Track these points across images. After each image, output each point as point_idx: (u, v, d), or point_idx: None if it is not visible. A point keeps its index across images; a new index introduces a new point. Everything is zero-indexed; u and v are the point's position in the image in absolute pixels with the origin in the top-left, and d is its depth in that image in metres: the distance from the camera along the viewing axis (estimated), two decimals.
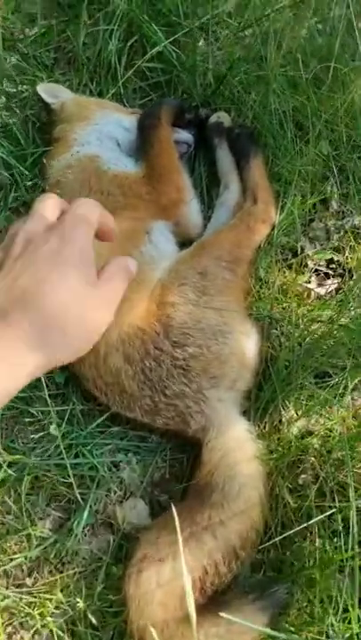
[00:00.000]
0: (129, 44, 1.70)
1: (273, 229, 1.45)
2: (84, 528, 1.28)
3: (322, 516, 1.04)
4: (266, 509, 1.18)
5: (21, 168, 1.55)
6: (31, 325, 0.77)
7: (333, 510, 1.08)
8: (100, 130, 1.54)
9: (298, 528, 1.04)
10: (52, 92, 1.59)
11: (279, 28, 1.68)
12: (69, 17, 1.81)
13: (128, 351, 1.25)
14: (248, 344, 1.30)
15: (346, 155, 1.55)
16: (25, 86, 1.72)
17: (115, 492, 1.32)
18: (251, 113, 1.61)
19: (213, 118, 1.62)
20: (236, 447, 1.23)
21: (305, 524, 1.06)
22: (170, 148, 1.48)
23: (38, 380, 1.30)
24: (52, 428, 1.29)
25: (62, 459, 1.27)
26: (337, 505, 1.10)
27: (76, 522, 1.27)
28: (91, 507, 1.29)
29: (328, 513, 1.05)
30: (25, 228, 0.84)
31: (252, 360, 1.30)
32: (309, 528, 1.15)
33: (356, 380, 1.26)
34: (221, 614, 0.80)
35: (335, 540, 1.09)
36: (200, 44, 1.71)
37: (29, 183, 1.55)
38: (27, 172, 1.55)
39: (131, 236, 1.36)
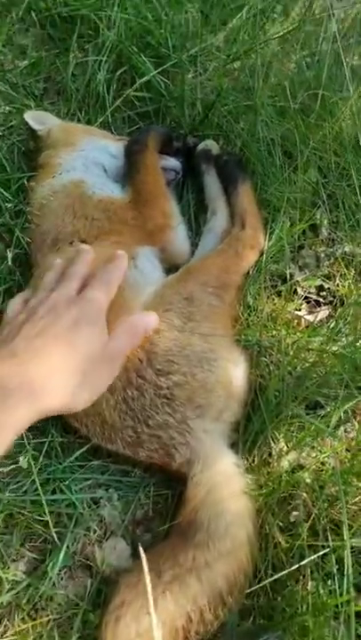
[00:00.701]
0: (117, 74, 1.70)
1: (262, 255, 1.41)
2: (60, 570, 1.19)
3: (314, 557, 0.96)
4: (255, 549, 1.10)
5: (5, 194, 1.52)
6: (42, 377, 0.94)
7: (327, 550, 1.00)
8: (86, 156, 1.52)
9: (289, 570, 0.96)
10: (40, 120, 1.59)
11: (267, 61, 1.70)
12: (60, 49, 1.83)
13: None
14: (235, 372, 1.24)
15: (335, 182, 1.53)
16: (13, 115, 1.71)
17: (94, 532, 1.23)
18: (239, 141, 1.60)
19: (201, 146, 1.61)
20: (223, 482, 1.15)
21: (297, 566, 0.98)
22: (156, 174, 1.46)
23: None
24: (23, 461, 1.21)
25: (38, 494, 1.18)
26: (331, 544, 1.02)
27: (51, 564, 1.17)
28: (68, 547, 1.20)
29: (321, 553, 0.97)
30: (52, 297, 1.08)
31: (240, 389, 1.24)
32: (302, 570, 1.07)
33: (347, 407, 1.19)
34: None
35: (329, 582, 1.01)
36: (189, 75, 1.72)
37: (13, 208, 1.52)
38: (11, 198, 1.52)
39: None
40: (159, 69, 1.64)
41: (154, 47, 1.74)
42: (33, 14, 1.85)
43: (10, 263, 1.43)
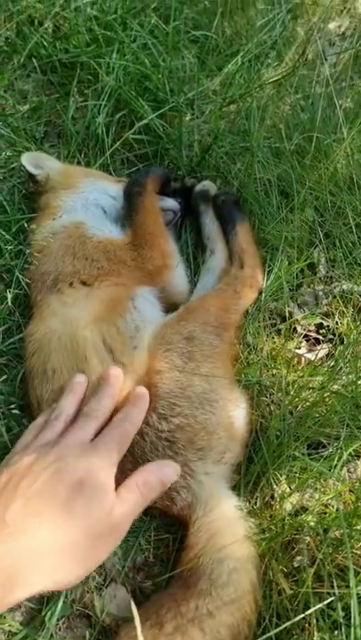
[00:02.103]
0: (117, 117, 1.74)
1: (261, 294, 1.42)
2: (58, 620, 1.15)
3: (320, 605, 0.93)
4: (259, 597, 1.07)
5: (6, 235, 1.54)
6: (29, 556, 0.88)
7: (333, 598, 0.97)
8: (87, 197, 1.54)
9: (294, 620, 0.93)
10: (37, 163, 1.61)
11: (262, 104, 1.74)
12: (60, 94, 1.88)
13: None
14: (236, 413, 1.23)
15: (331, 221, 1.55)
16: (14, 158, 1.74)
17: (93, 579, 1.19)
18: (236, 182, 1.63)
19: (199, 187, 1.63)
20: (225, 527, 1.13)
21: (302, 615, 0.95)
22: (155, 215, 1.48)
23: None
24: None
25: None
26: (336, 592, 0.99)
27: (49, 613, 1.14)
28: (66, 595, 1.16)
29: (327, 601, 0.94)
30: (64, 442, 1.02)
31: (242, 430, 1.23)
32: (307, 619, 1.04)
33: (350, 449, 1.18)
34: None
35: (336, 632, 0.97)
36: (186, 117, 1.76)
37: (14, 249, 1.53)
38: (11, 239, 1.54)
39: (115, 303, 1.32)
40: (157, 113, 1.68)
41: (152, 91, 1.78)
42: (34, 61, 1.91)
43: (10, 304, 1.43)
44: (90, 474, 0.96)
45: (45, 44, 1.90)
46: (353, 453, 1.23)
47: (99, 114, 1.74)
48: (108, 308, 1.29)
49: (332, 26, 2.20)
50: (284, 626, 0.94)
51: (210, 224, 1.58)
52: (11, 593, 0.87)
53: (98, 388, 1.16)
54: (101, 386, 1.16)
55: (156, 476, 1.07)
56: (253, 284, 1.41)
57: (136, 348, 1.25)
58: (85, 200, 1.53)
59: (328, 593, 1.03)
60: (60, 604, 1.15)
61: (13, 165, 1.73)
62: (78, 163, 1.75)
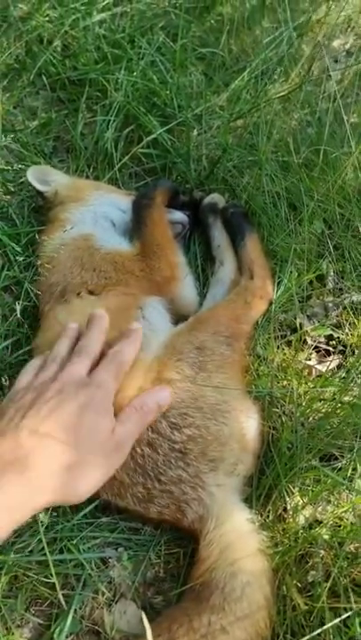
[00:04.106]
0: (125, 132, 1.76)
1: (271, 305, 1.42)
2: (67, 637, 1.12)
3: (336, 621, 0.91)
4: (273, 612, 1.05)
5: (15, 247, 1.55)
6: (41, 470, 0.95)
7: (349, 614, 0.94)
8: (95, 210, 1.54)
9: (310, 635, 0.90)
10: (44, 178, 1.61)
11: (269, 119, 1.75)
12: (69, 110, 1.90)
13: None
14: (248, 424, 1.22)
15: (340, 233, 1.55)
16: (24, 172, 1.76)
17: (103, 594, 1.17)
18: (245, 194, 1.63)
19: (208, 200, 1.64)
20: (237, 540, 1.10)
21: (317, 632, 0.92)
22: (164, 227, 1.48)
23: None
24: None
25: (44, 554, 1.13)
26: (353, 606, 0.96)
27: (57, 630, 1.12)
28: (75, 611, 1.14)
29: (343, 617, 0.92)
30: (62, 377, 1.08)
31: (253, 442, 1.22)
32: (323, 635, 1.01)
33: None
34: None
35: None
36: (194, 132, 1.78)
37: (23, 262, 1.54)
38: (20, 251, 1.54)
39: (124, 312, 1.32)
40: (165, 128, 1.69)
41: (160, 107, 1.80)
42: (44, 78, 1.94)
43: (19, 315, 1.43)
44: (91, 399, 1.03)
45: (54, 61, 1.93)
46: None
47: (107, 129, 1.76)
48: (115, 316, 1.29)
49: (336, 43, 2.23)
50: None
51: (219, 236, 1.58)
52: (27, 481, 0.93)
53: (86, 327, 1.21)
54: (89, 324, 1.21)
55: (153, 398, 1.14)
56: (264, 295, 1.41)
57: (144, 355, 1.24)
58: (94, 213, 1.54)
59: (344, 608, 1.00)
60: (70, 619, 1.12)
61: (22, 179, 1.74)
62: (87, 177, 1.76)
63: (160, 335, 1.31)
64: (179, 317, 1.43)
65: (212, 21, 2.10)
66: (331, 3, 2.23)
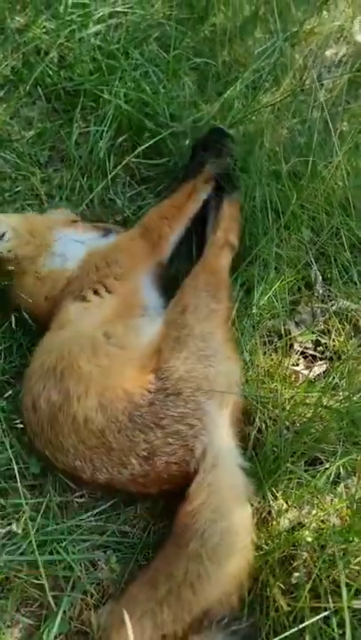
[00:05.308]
0: (118, 142, 1.79)
1: (235, 253, 1.53)
2: (56, 638, 1.15)
3: (314, 619, 0.93)
4: (252, 561, 1.11)
5: None
6: None
7: (327, 612, 0.97)
8: (60, 243, 1.55)
9: (290, 632, 0.93)
10: None
11: (260, 128, 1.78)
12: (64, 120, 1.94)
13: (111, 411, 1.22)
14: (232, 364, 1.32)
15: (327, 240, 1.58)
16: (19, 181, 1.80)
17: (92, 595, 1.20)
18: None
19: None
20: (226, 487, 1.17)
21: (297, 628, 0.95)
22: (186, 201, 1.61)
23: (13, 469, 1.24)
24: (16, 525, 1.20)
25: (35, 556, 1.16)
26: (331, 606, 0.99)
27: (47, 630, 1.14)
28: (65, 612, 1.17)
29: (321, 615, 0.95)
30: None
31: (238, 377, 1.32)
32: (304, 635, 1.04)
33: (345, 462, 1.18)
34: None
35: None
36: (186, 142, 1.81)
37: None
38: None
39: (127, 308, 1.42)
40: (157, 138, 1.73)
41: (152, 117, 1.83)
42: (39, 89, 1.97)
43: (13, 325, 1.47)
44: None
45: (50, 72, 1.97)
46: (349, 469, 1.24)
47: (101, 139, 1.79)
48: (122, 312, 1.41)
49: (329, 53, 2.26)
50: (281, 636, 0.94)
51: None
52: None
53: None
54: None
55: None
56: (225, 244, 1.53)
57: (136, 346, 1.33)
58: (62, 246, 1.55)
59: (325, 608, 1.03)
60: (58, 620, 1.15)
61: (19, 188, 1.78)
62: (81, 186, 1.79)
63: (156, 322, 1.39)
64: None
65: (206, 32, 2.13)
66: (323, 12, 2.27)
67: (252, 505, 1.19)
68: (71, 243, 1.55)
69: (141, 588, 1.11)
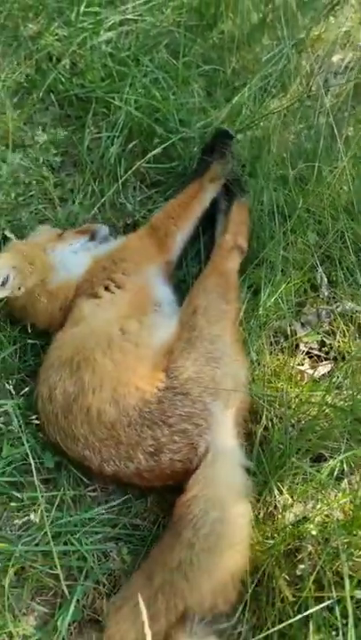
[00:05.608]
0: (129, 147, 1.84)
1: (244, 255, 1.58)
2: (69, 625, 1.20)
3: (318, 607, 0.98)
4: (244, 552, 1.15)
5: None
6: None
7: (331, 601, 1.01)
8: (58, 259, 1.60)
9: (295, 619, 0.97)
10: None
11: (268, 134, 1.83)
12: (76, 126, 1.99)
13: (123, 406, 1.28)
14: (238, 366, 1.37)
15: (332, 243, 1.62)
16: (33, 186, 1.85)
17: (104, 585, 1.25)
18: None
19: None
20: (223, 481, 1.22)
21: (301, 616, 0.99)
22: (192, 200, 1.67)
23: (29, 464, 1.29)
24: (33, 516, 1.25)
25: (49, 547, 1.21)
26: (334, 595, 1.03)
27: (61, 618, 1.19)
28: (78, 601, 1.22)
29: (325, 604, 0.99)
30: None
31: (243, 378, 1.37)
32: (308, 626, 1.08)
33: (349, 458, 1.23)
34: None
35: (335, 634, 1.02)
36: (195, 148, 1.85)
37: None
38: None
39: (139, 303, 1.47)
40: (167, 143, 1.77)
41: (162, 122, 1.88)
42: (52, 95, 2.02)
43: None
44: None
45: (63, 79, 2.02)
46: (353, 465, 1.28)
47: (112, 144, 1.84)
48: (134, 309, 1.46)
49: (335, 59, 2.29)
50: (283, 625, 0.98)
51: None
52: None
53: None
54: None
55: None
56: (233, 247, 1.58)
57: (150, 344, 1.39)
58: (61, 259, 1.60)
59: (328, 598, 1.07)
60: (72, 608, 1.20)
61: (32, 193, 1.83)
62: (93, 190, 1.84)
63: (169, 321, 1.45)
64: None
65: (215, 39, 2.18)
66: (330, 19, 2.31)
67: (252, 503, 1.24)
68: (67, 254, 1.62)
69: (139, 576, 1.17)
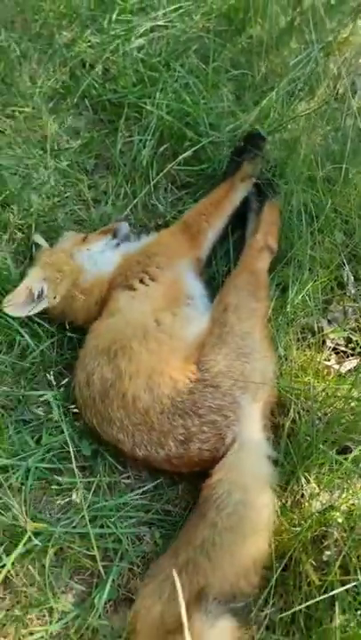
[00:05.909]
0: (160, 150, 1.91)
1: (273, 255, 1.63)
2: (105, 603, 1.27)
3: (343, 588, 1.03)
4: (266, 533, 1.20)
5: None
6: None
7: (356, 583, 1.06)
8: (86, 260, 1.67)
9: (321, 597, 1.02)
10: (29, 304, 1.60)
11: (296, 136, 1.87)
12: (109, 130, 2.07)
13: (157, 393, 1.35)
14: (267, 361, 1.42)
15: (358, 242, 1.66)
16: (68, 187, 1.93)
17: (137, 566, 1.32)
18: None
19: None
20: (247, 465, 1.28)
21: (328, 595, 1.04)
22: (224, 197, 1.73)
23: (67, 451, 1.36)
24: (75, 496, 1.32)
25: (87, 529, 1.28)
26: (360, 580, 1.08)
27: (98, 596, 1.27)
28: (113, 581, 1.29)
29: (350, 585, 1.04)
30: None
31: (271, 374, 1.42)
32: (334, 608, 1.13)
33: None
34: None
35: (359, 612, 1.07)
36: (224, 150, 1.91)
37: None
38: None
39: (173, 296, 1.55)
40: (197, 146, 1.84)
41: (193, 126, 1.94)
42: (86, 100, 2.10)
43: None
44: None
45: (96, 85, 2.10)
46: None
47: (144, 147, 1.91)
48: (169, 301, 1.53)
49: None
50: (309, 602, 1.03)
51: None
52: None
53: None
54: None
55: None
56: (263, 247, 1.63)
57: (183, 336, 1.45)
58: (90, 257, 1.68)
59: (354, 581, 1.12)
60: (108, 588, 1.27)
61: (67, 194, 1.91)
62: (125, 192, 1.91)
63: (201, 315, 1.51)
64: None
65: (243, 44, 2.23)
66: (357, 22, 2.34)
67: (280, 491, 1.30)
68: (93, 254, 1.69)
69: (166, 555, 1.24)
